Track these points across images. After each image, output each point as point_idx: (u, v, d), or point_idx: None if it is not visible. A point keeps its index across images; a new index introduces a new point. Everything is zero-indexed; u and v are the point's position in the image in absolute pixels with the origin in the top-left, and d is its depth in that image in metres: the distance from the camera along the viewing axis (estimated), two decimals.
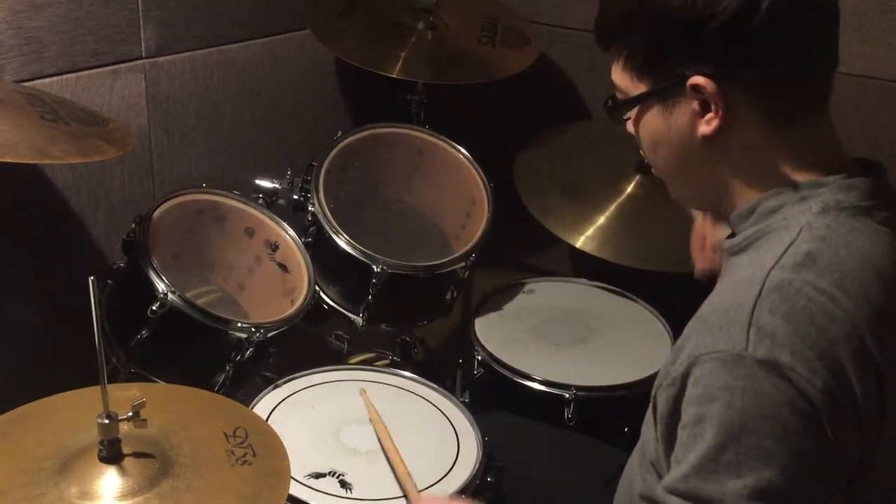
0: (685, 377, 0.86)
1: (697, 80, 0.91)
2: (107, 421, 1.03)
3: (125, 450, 1.06)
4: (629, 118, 1.01)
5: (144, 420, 1.06)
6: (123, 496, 1.02)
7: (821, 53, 0.94)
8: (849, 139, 1.02)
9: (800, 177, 0.94)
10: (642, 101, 0.97)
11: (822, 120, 0.97)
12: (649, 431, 0.98)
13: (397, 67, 1.97)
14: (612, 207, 1.95)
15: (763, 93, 0.92)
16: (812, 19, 0.90)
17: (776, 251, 0.89)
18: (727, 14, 0.88)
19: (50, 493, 1.01)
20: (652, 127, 0.99)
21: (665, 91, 0.95)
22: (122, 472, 1.04)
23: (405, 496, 1.28)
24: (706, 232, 1.39)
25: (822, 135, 0.97)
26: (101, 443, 1.04)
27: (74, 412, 1.16)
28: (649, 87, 0.96)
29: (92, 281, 1.00)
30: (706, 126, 0.93)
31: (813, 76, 0.94)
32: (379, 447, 1.41)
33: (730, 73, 0.90)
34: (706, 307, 0.92)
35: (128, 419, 1.05)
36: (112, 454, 1.04)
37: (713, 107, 0.92)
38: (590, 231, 1.91)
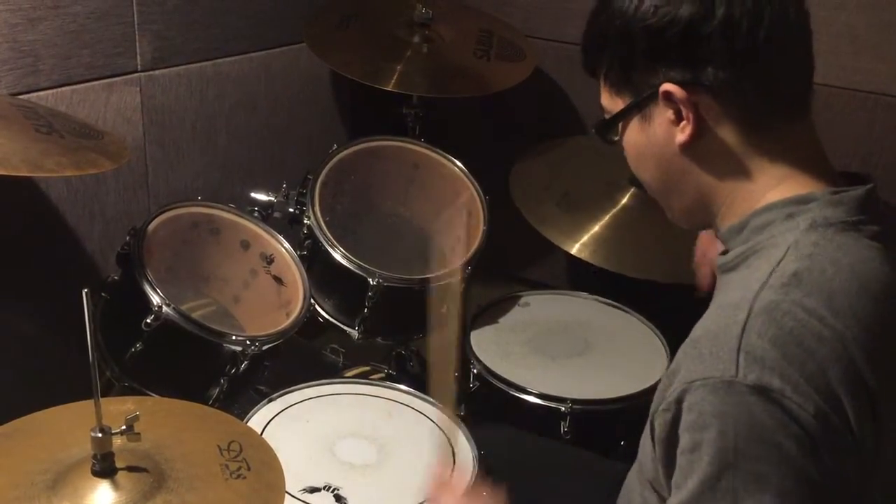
0: (679, 402, 0.86)
1: (667, 87, 0.93)
2: (100, 435, 1.02)
3: (118, 464, 1.05)
4: (618, 138, 1.02)
5: (138, 434, 1.05)
6: None
7: (786, 58, 0.94)
8: (842, 152, 1.02)
9: (786, 188, 0.94)
10: (622, 117, 1.00)
11: (803, 128, 0.97)
12: (647, 450, 0.97)
13: (393, 81, 1.97)
14: (608, 217, 1.95)
15: (732, 97, 0.93)
16: (771, 24, 0.91)
17: (764, 271, 0.89)
18: (685, 20, 0.90)
19: None
20: (633, 141, 1.01)
21: (641, 104, 0.97)
22: (116, 486, 1.03)
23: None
24: (708, 246, 1.40)
25: (804, 143, 0.97)
26: (95, 457, 1.03)
27: (68, 426, 1.15)
28: (627, 102, 0.99)
29: (86, 293, 0.99)
30: (682, 134, 0.95)
31: (782, 80, 0.94)
32: (374, 461, 1.40)
33: (696, 78, 0.92)
34: (697, 330, 0.92)
35: (121, 433, 1.05)
36: (105, 468, 1.03)
37: (685, 114, 0.93)
38: (585, 238, 1.92)
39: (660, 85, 0.93)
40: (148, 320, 1.46)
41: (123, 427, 1.05)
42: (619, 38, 0.96)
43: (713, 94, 0.92)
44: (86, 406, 1.19)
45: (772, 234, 0.93)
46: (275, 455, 1.16)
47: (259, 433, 1.40)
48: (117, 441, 1.05)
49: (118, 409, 1.11)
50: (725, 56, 0.91)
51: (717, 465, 0.82)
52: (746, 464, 0.81)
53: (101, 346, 1.53)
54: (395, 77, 1.98)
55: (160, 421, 1.17)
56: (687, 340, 0.93)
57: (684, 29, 0.91)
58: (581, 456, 1.53)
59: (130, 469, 1.05)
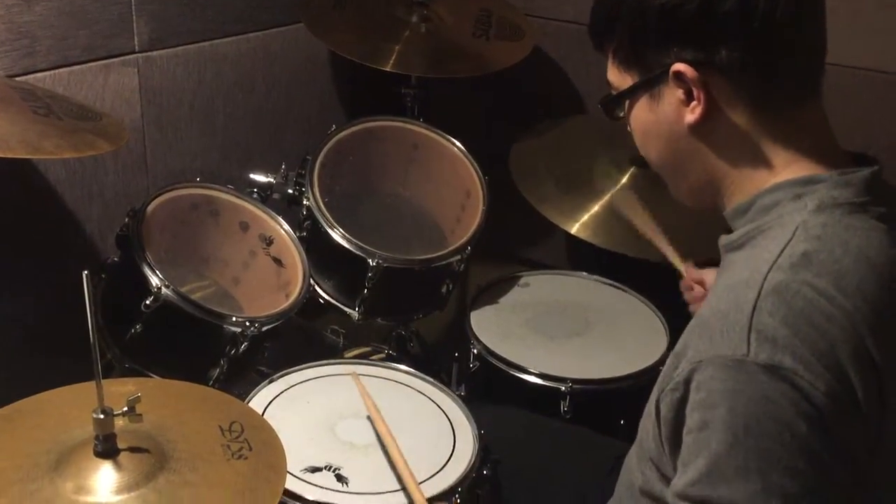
0: (688, 382, 0.86)
1: (678, 67, 0.92)
2: (102, 416, 1.03)
3: (120, 445, 1.05)
4: (623, 115, 1.01)
5: (140, 415, 1.06)
6: (119, 491, 1.01)
7: (801, 38, 0.94)
8: (845, 131, 1.02)
9: (794, 170, 0.94)
10: (631, 95, 0.99)
11: (813, 110, 0.96)
12: (648, 429, 0.98)
13: (391, 61, 1.96)
14: (608, 197, 1.95)
15: (744, 79, 0.92)
16: (787, 4, 0.90)
17: (773, 251, 0.89)
18: None
19: (45, 489, 1.01)
20: (641, 119, 1.00)
21: (650, 82, 0.96)
22: (118, 466, 1.04)
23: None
24: (699, 276, 1.45)
25: (814, 125, 0.96)
26: (97, 438, 1.04)
27: (69, 408, 1.16)
28: (636, 79, 0.98)
29: (86, 275, 0.99)
30: (691, 114, 0.94)
31: (795, 62, 0.94)
32: (375, 441, 1.41)
33: (709, 59, 0.91)
34: (705, 309, 0.92)
35: (123, 414, 1.05)
36: (107, 449, 1.04)
37: (696, 94, 0.93)
38: (584, 218, 1.92)
39: (671, 64, 0.93)
40: (147, 302, 1.46)
41: (125, 408, 1.05)
42: (632, 14, 0.95)
43: (725, 74, 0.92)
44: (87, 387, 1.19)
45: (779, 213, 0.93)
46: (276, 435, 1.17)
47: (260, 414, 1.40)
48: (119, 422, 1.05)
49: (119, 390, 1.11)
50: (739, 37, 0.90)
51: (728, 442, 0.82)
52: (756, 442, 0.81)
53: (101, 327, 1.54)
54: (393, 57, 1.97)
55: (161, 402, 1.17)
56: (693, 320, 0.93)
57: (699, 8, 0.90)
58: (581, 434, 1.54)
59: (132, 450, 1.06)
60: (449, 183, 1.96)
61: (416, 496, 1.24)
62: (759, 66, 0.91)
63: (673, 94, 0.95)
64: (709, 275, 1.44)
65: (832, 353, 0.83)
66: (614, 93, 1.02)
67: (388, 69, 1.95)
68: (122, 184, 1.89)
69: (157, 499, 1.01)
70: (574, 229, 1.89)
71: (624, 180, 1.96)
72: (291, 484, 1.28)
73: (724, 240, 0.99)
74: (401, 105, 2.11)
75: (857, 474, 0.84)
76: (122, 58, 1.82)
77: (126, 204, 1.81)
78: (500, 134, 2.08)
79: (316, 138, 1.88)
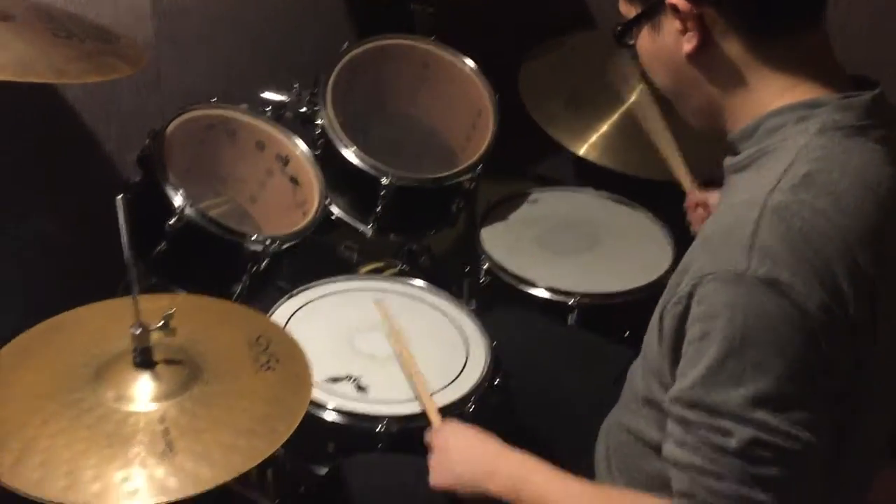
0: (690, 296, 0.91)
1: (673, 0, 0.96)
2: (139, 330, 1.09)
3: (156, 357, 1.12)
4: (633, 43, 1.05)
5: (174, 329, 1.12)
6: (157, 399, 1.08)
7: None
8: (850, 53, 1.05)
9: (797, 94, 0.97)
10: (634, 25, 1.04)
11: (814, 35, 0.99)
12: (651, 342, 1.03)
13: None
14: (616, 116, 1.97)
15: (737, 11, 0.95)
16: None
17: (775, 172, 0.93)
18: None
19: (88, 398, 1.08)
20: (645, 48, 1.05)
21: (650, 13, 1.01)
22: (156, 377, 1.10)
23: (427, 420, 1.32)
24: (702, 198, 1.49)
25: (815, 51, 0.99)
26: (135, 350, 1.10)
27: (104, 322, 1.22)
28: (639, 10, 1.02)
29: (119, 200, 1.04)
30: (688, 44, 0.98)
31: None
32: (392, 353, 1.47)
33: None
34: (709, 227, 0.96)
35: (158, 328, 1.11)
36: (145, 360, 1.10)
37: (690, 25, 0.96)
38: (593, 139, 1.94)
39: None
40: (171, 221, 1.51)
41: (160, 323, 1.11)
42: None
43: (717, 7, 0.95)
44: (117, 303, 1.26)
45: (783, 136, 0.96)
46: (300, 348, 1.24)
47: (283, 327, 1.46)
48: (153, 336, 1.11)
49: (152, 306, 1.16)
50: None
51: (725, 350, 0.87)
52: (751, 350, 0.86)
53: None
54: None
55: (191, 317, 1.23)
56: (698, 238, 0.98)
57: None
58: (589, 343, 1.60)
59: (168, 362, 1.12)
60: (460, 102, 1.97)
61: (428, 406, 1.32)
62: None
63: (671, 24, 0.98)
64: (711, 197, 1.48)
65: (827, 269, 0.87)
66: (622, 23, 1.06)
67: None
68: (138, 103, 1.92)
69: (193, 407, 1.08)
70: (582, 151, 1.91)
71: (634, 97, 1.97)
72: (314, 393, 1.34)
73: (728, 161, 1.03)
74: (411, 23, 2.11)
75: (844, 386, 0.90)
76: None
77: (142, 123, 1.82)
78: (510, 52, 2.09)
79: (328, 56, 1.89)
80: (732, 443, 0.87)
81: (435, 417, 1.31)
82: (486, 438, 1.19)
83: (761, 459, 0.86)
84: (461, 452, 1.18)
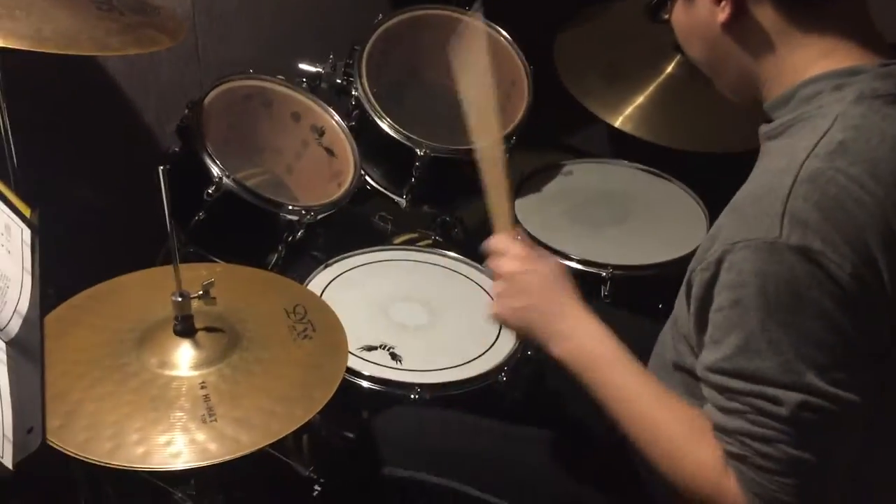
0: (719, 263, 0.92)
1: None
2: (181, 299, 1.11)
3: (197, 325, 1.15)
4: (668, 17, 1.05)
5: (214, 298, 1.15)
6: (198, 366, 1.12)
7: None
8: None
9: (834, 60, 0.96)
10: None
11: (851, 2, 0.98)
12: (682, 306, 1.04)
13: None
14: (652, 88, 1.96)
15: None
16: None
17: (810, 140, 0.92)
18: None
19: (133, 363, 1.12)
20: (680, 21, 1.05)
21: None
22: (196, 344, 1.13)
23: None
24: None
25: (851, 16, 0.98)
26: (176, 318, 1.13)
27: (146, 290, 1.25)
28: None
29: (162, 170, 1.06)
30: (721, 14, 0.98)
31: None
32: (425, 323, 1.49)
33: None
34: (741, 194, 0.97)
35: (199, 297, 1.14)
36: (186, 328, 1.13)
37: None
38: (629, 111, 1.93)
39: None
40: (209, 191, 1.54)
41: (200, 292, 1.14)
42: None
43: None
44: (159, 272, 1.29)
45: (819, 104, 0.96)
46: (337, 317, 1.26)
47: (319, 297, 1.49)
48: (194, 304, 1.14)
49: (192, 275, 1.20)
50: None
51: (759, 319, 0.88)
52: (787, 317, 0.87)
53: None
54: None
55: (230, 286, 1.26)
56: (730, 204, 0.98)
57: None
58: (620, 316, 1.60)
59: (208, 329, 1.15)
60: (494, 72, 1.97)
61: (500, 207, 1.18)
62: None
63: None
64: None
65: (861, 237, 0.87)
66: None
67: None
68: (176, 75, 1.94)
69: (233, 373, 1.11)
70: (618, 122, 1.91)
71: (669, 69, 1.96)
72: (350, 361, 1.36)
73: (764, 128, 1.03)
74: None
75: (880, 348, 0.90)
76: None
77: (180, 95, 1.87)
78: (545, 23, 2.07)
79: (363, 27, 1.89)
80: (783, 410, 0.88)
81: (503, 220, 1.13)
82: (572, 289, 1.08)
83: (809, 422, 0.88)
84: (541, 293, 1.07)
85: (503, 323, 1.11)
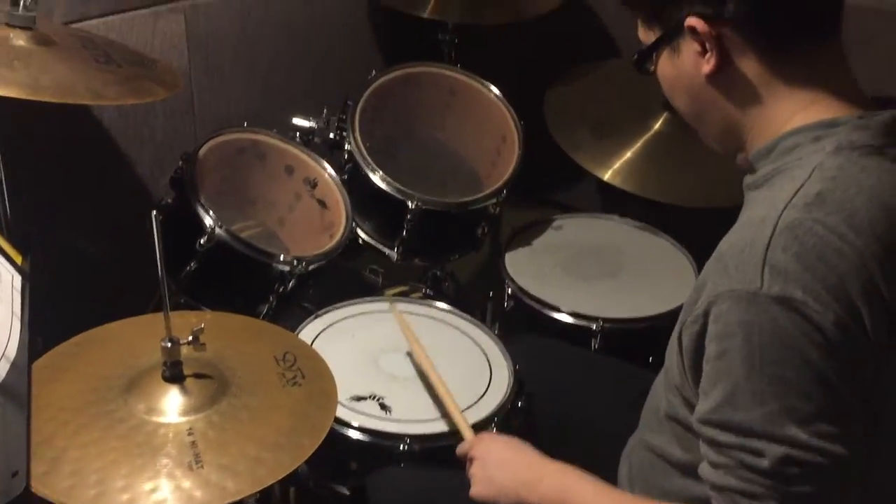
0: (706, 314, 0.92)
1: (691, 21, 0.97)
2: (170, 344, 1.11)
3: (186, 371, 1.14)
4: (653, 69, 1.07)
5: (203, 344, 1.15)
6: (186, 412, 1.11)
7: None
8: (868, 74, 1.06)
9: (814, 112, 0.98)
10: (654, 50, 1.05)
11: (830, 52, 1.00)
12: (673, 359, 1.04)
13: (429, 7, 2.01)
14: (640, 143, 1.99)
15: (754, 29, 0.97)
16: None
17: (789, 190, 0.94)
18: None
19: (120, 409, 1.11)
20: (666, 73, 1.06)
21: (669, 36, 1.02)
22: (185, 391, 1.13)
23: (456, 435, 1.33)
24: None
25: (831, 68, 1.00)
26: (165, 364, 1.12)
27: (135, 337, 1.25)
28: (658, 35, 1.04)
29: (155, 216, 1.07)
30: (707, 65, 0.99)
31: (805, 9, 0.98)
32: (415, 373, 1.49)
33: (717, 12, 0.96)
34: (724, 245, 0.98)
35: (188, 343, 1.14)
36: (175, 374, 1.13)
37: (708, 46, 0.98)
38: (617, 165, 1.96)
39: (685, 19, 0.98)
40: (202, 241, 1.54)
41: (190, 338, 1.14)
42: None
43: (734, 26, 0.96)
44: (148, 319, 1.29)
45: (799, 156, 0.97)
46: (326, 365, 1.26)
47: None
48: (184, 350, 1.14)
49: (182, 321, 1.20)
50: None
51: (744, 370, 0.88)
52: (770, 368, 0.87)
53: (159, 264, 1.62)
54: (431, 4, 2.01)
55: (220, 333, 1.26)
56: (713, 255, 0.99)
57: None
58: (612, 366, 1.60)
59: (197, 376, 1.15)
60: (485, 127, 2.00)
61: (459, 420, 1.32)
62: (767, 14, 0.96)
63: (690, 47, 1.00)
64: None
65: (842, 286, 0.88)
66: (641, 49, 1.07)
67: (425, 16, 1.99)
68: (171, 128, 1.97)
69: (221, 420, 1.11)
70: (607, 176, 1.93)
71: (657, 126, 2.00)
72: (339, 411, 1.35)
73: (747, 179, 1.05)
74: (438, 51, 2.15)
75: (865, 397, 0.90)
76: (170, 4, 1.88)
77: (175, 147, 1.88)
78: (535, 79, 2.12)
79: (356, 83, 1.93)
80: (765, 462, 0.87)
81: (468, 431, 1.31)
82: (527, 448, 1.19)
83: (795, 476, 0.87)
84: (503, 462, 1.18)
85: (486, 501, 1.19)
